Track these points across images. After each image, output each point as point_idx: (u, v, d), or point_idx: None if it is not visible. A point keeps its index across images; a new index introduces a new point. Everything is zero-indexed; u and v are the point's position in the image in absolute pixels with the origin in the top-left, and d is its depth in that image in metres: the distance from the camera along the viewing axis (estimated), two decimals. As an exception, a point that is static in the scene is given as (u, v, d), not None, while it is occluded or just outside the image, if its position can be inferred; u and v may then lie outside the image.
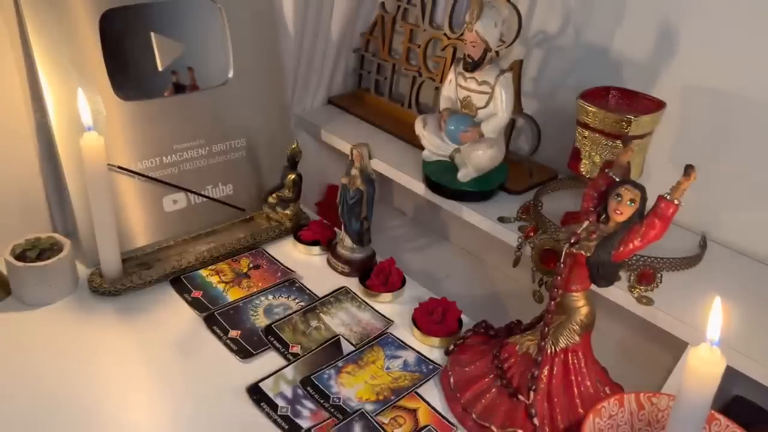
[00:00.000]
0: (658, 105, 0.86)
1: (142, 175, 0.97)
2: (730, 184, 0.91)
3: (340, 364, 0.83)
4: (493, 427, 0.73)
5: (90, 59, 0.91)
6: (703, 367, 0.55)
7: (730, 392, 0.82)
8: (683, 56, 0.92)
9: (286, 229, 1.06)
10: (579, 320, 0.73)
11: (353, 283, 0.97)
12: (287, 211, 1.06)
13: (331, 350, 0.85)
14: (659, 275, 0.84)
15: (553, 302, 0.71)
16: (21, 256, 0.87)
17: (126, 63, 0.95)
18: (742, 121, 0.89)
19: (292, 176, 1.04)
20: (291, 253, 1.04)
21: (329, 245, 1.03)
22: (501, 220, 0.96)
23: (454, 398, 0.78)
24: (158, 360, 0.82)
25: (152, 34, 0.97)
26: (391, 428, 0.74)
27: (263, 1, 1.07)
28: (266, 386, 0.78)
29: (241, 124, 1.06)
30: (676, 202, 0.63)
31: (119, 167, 0.95)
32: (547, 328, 0.72)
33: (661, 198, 0.64)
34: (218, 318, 0.89)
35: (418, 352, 0.86)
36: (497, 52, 0.98)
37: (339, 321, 0.90)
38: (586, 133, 0.87)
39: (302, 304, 0.93)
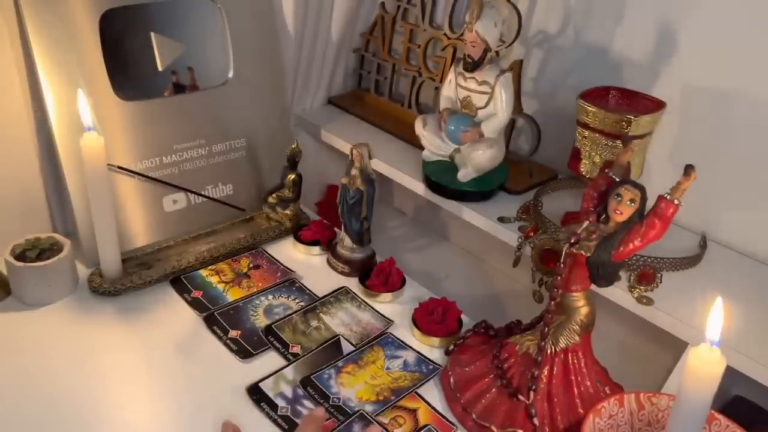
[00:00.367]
0: (658, 105, 0.86)
1: (142, 175, 0.97)
2: (730, 184, 0.91)
3: (340, 364, 0.83)
4: (493, 427, 0.73)
5: (90, 59, 0.91)
6: (703, 367, 0.55)
7: (730, 392, 0.82)
8: (683, 56, 0.92)
9: (286, 229, 1.06)
10: (579, 320, 0.73)
11: (353, 283, 0.97)
12: (287, 211, 1.06)
13: (331, 350, 0.85)
14: (659, 275, 0.84)
15: (553, 302, 0.71)
16: (21, 256, 0.87)
17: (126, 63, 0.95)
18: (742, 121, 0.89)
19: (292, 176, 1.04)
20: (291, 253, 1.04)
21: (329, 245, 1.03)
22: (501, 220, 0.96)
23: (454, 398, 0.78)
24: (158, 360, 0.82)
25: (152, 34, 0.97)
26: (391, 428, 0.74)
27: (263, 1, 1.07)
28: (266, 386, 0.78)
29: (241, 124, 1.06)
30: (676, 202, 0.63)
31: (119, 167, 0.95)
32: (547, 328, 0.72)
33: (661, 198, 0.64)
34: (218, 318, 0.89)
35: (418, 352, 0.86)
36: (497, 52, 0.98)
37: (339, 321, 0.90)
38: (586, 133, 0.87)
39: (302, 304, 0.93)
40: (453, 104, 1.01)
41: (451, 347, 0.85)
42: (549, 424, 0.73)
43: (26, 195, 0.96)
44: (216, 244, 1.02)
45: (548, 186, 1.02)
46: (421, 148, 1.05)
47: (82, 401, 0.75)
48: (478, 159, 0.96)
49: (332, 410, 0.76)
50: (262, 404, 0.76)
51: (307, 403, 0.77)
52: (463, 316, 0.90)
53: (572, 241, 0.68)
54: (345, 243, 1.00)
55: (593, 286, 0.73)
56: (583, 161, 0.89)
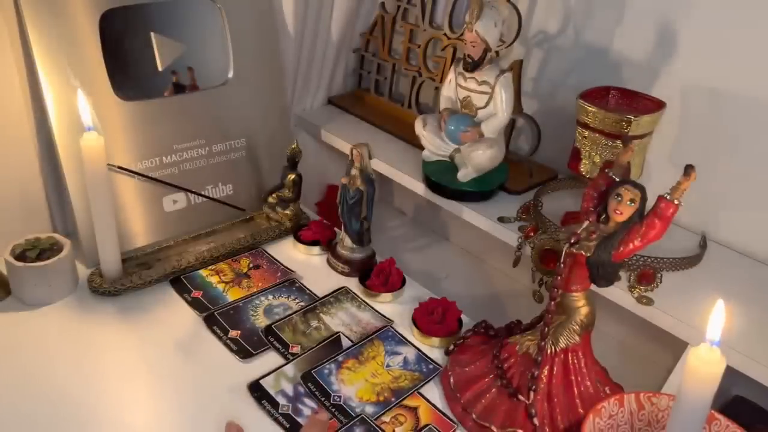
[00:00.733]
0: (658, 105, 0.86)
1: (142, 175, 0.97)
2: (730, 184, 0.91)
3: (340, 358, 0.83)
4: (493, 427, 0.73)
5: (90, 59, 0.91)
6: (703, 367, 0.55)
7: (730, 392, 0.82)
8: (683, 56, 0.92)
9: (286, 229, 1.06)
10: (579, 320, 0.73)
11: (353, 283, 0.97)
12: (287, 211, 1.06)
13: (332, 347, 0.85)
14: (659, 275, 0.84)
15: (553, 302, 0.71)
16: (21, 256, 0.87)
17: (126, 63, 0.95)
18: (742, 121, 0.89)
19: (292, 176, 1.04)
20: (291, 253, 1.04)
21: (329, 245, 1.03)
22: (501, 220, 0.96)
23: (454, 398, 0.78)
24: (158, 360, 0.82)
25: (152, 34, 0.97)
26: (392, 427, 0.74)
27: (263, 1, 1.07)
28: (267, 383, 0.78)
29: (241, 124, 1.06)
30: (676, 202, 0.63)
31: (119, 167, 0.95)
32: (547, 328, 0.73)
33: (661, 198, 0.64)
34: (218, 318, 0.89)
35: (419, 349, 0.86)
36: (497, 52, 0.98)
37: (339, 321, 0.90)
38: (586, 133, 0.87)
39: (302, 304, 0.93)
40: (453, 104, 1.01)
41: (451, 347, 0.85)
42: (549, 424, 0.73)
43: (26, 195, 0.96)
44: (216, 244, 1.02)
45: (548, 186, 1.02)
46: (421, 148, 1.05)
47: (82, 401, 0.75)
48: (478, 159, 0.96)
49: (333, 410, 0.76)
50: (263, 402, 0.76)
51: (308, 401, 0.77)
52: (463, 316, 0.90)
53: (572, 241, 0.68)
54: (345, 243, 1.00)
55: (593, 286, 0.73)
56: (583, 161, 0.89)
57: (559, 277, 0.71)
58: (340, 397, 0.78)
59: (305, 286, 0.97)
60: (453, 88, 0.99)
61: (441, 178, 1.02)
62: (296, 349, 0.85)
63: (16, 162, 0.94)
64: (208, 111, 1.02)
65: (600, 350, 0.78)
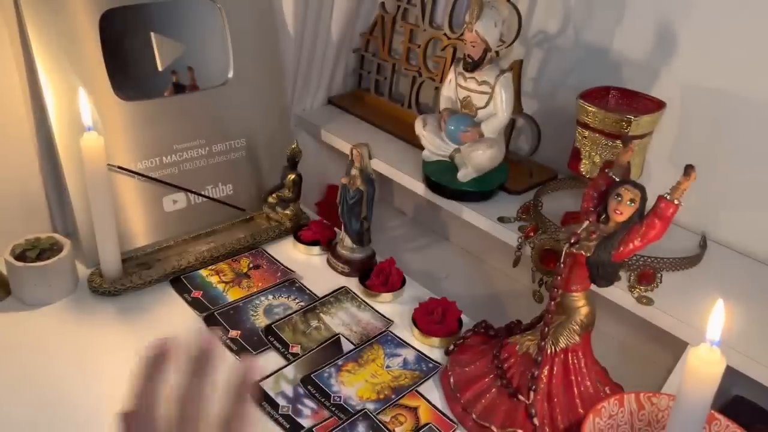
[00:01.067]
0: (658, 105, 0.86)
1: (142, 175, 0.97)
2: (730, 184, 0.91)
3: (340, 362, 0.83)
4: (493, 427, 0.73)
5: (90, 59, 0.91)
6: (703, 367, 0.55)
7: (730, 392, 0.82)
8: (683, 56, 0.92)
9: (286, 229, 1.06)
10: (579, 320, 0.73)
11: (353, 283, 0.97)
12: (287, 211, 1.06)
13: (331, 349, 0.85)
14: (659, 275, 0.84)
15: (553, 302, 0.71)
16: (21, 256, 0.87)
17: (126, 63, 0.95)
18: (742, 121, 0.89)
19: (292, 176, 1.04)
20: (291, 253, 1.04)
21: (329, 245, 1.03)
22: (501, 220, 0.96)
23: (454, 398, 0.78)
24: (158, 360, 0.82)
25: (152, 34, 0.97)
26: (392, 426, 0.75)
27: (263, 1, 1.07)
28: (267, 385, 0.78)
29: (241, 124, 1.06)
30: (676, 202, 0.63)
31: (119, 167, 0.95)
32: (547, 328, 0.73)
33: (661, 198, 0.64)
34: (218, 318, 0.89)
35: (418, 350, 0.86)
36: (497, 52, 0.98)
37: (339, 321, 0.90)
38: (586, 133, 0.87)
39: (302, 304, 0.93)
40: (453, 104, 1.01)
41: (451, 347, 0.85)
42: (549, 424, 0.73)
43: (26, 195, 0.96)
44: (216, 244, 1.02)
45: (548, 186, 1.02)
46: (421, 148, 1.05)
47: (82, 401, 0.75)
48: (478, 159, 0.96)
49: (333, 409, 0.76)
50: (263, 403, 0.76)
51: (308, 401, 0.77)
52: (463, 316, 0.90)
53: (572, 241, 0.68)
54: (345, 243, 1.00)
55: (593, 286, 0.73)
56: (583, 161, 0.89)
57: (559, 277, 0.71)
58: (340, 397, 0.78)
59: (305, 286, 0.97)
60: (453, 88, 0.99)
61: (441, 178, 1.02)
62: (296, 349, 0.85)
63: (16, 162, 0.94)
64: (208, 111, 1.02)
65: (600, 350, 0.78)
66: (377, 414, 0.76)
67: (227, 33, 1.03)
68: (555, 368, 0.74)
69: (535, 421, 0.73)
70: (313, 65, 1.22)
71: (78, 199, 0.92)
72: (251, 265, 1.00)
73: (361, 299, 0.95)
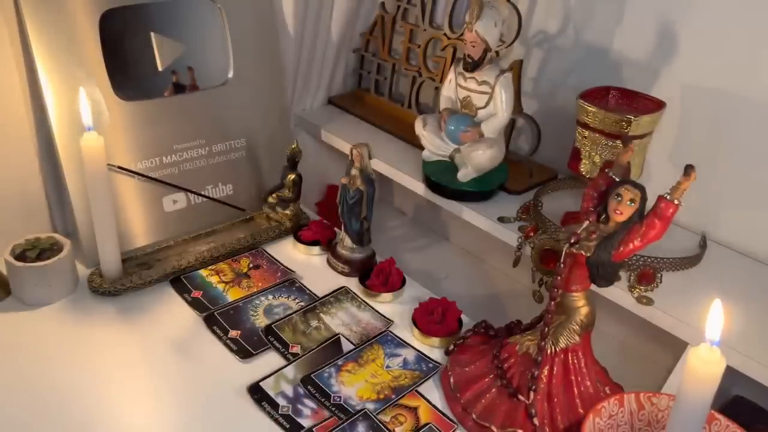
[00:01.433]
0: (658, 105, 0.86)
1: (142, 175, 0.97)
2: (730, 184, 0.91)
3: (340, 362, 0.83)
4: (493, 427, 0.73)
5: (90, 59, 0.91)
6: (703, 367, 0.55)
7: (730, 392, 0.82)
8: (683, 56, 0.92)
9: (286, 229, 1.06)
10: (579, 320, 0.73)
11: (353, 283, 0.97)
12: (287, 211, 1.06)
13: (331, 349, 0.85)
14: (659, 275, 0.84)
15: (553, 302, 0.71)
16: (21, 256, 0.87)
17: (126, 63, 0.95)
18: (742, 120, 0.89)
19: (292, 176, 1.04)
20: (291, 253, 1.04)
21: (329, 245, 1.03)
22: (501, 220, 0.96)
23: (454, 398, 0.78)
24: (158, 360, 0.82)
25: (152, 34, 0.97)
26: (392, 426, 0.74)
27: (263, 1, 1.07)
28: (267, 385, 0.78)
29: (241, 124, 1.06)
30: (676, 202, 0.63)
31: (119, 167, 0.95)
32: (547, 328, 0.73)
33: (661, 198, 0.64)
34: (218, 318, 0.89)
35: (418, 350, 0.86)
36: (497, 52, 0.98)
37: (339, 321, 0.90)
38: (586, 133, 0.87)
39: (302, 304, 0.93)
40: (453, 104, 1.01)
41: (451, 347, 0.85)
42: (549, 424, 0.73)
43: (26, 195, 0.96)
44: (216, 244, 1.02)
45: (548, 186, 1.02)
46: (421, 148, 1.05)
47: (82, 401, 0.75)
48: (478, 159, 0.96)
49: (333, 409, 0.76)
50: (263, 403, 0.76)
51: (308, 401, 0.77)
52: (463, 316, 0.90)
53: (572, 241, 0.68)
54: (345, 243, 1.00)
55: (593, 286, 0.73)
56: (583, 161, 0.89)
57: (559, 277, 0.71)
58: (340, 397, 0.78)
59: (305, 286, 0.97)
60: (453, 88, 0.99)
61: (441, 178, 1.02)
62: (296, 349, 0.85)
63: (16, 162, 0.94)
64: (208, 111, 1.02)
65: (600, 350, 0.78)
66: (377, 414, 0.76)
67: (227, 33, 1.03)
68: (555, 368, 0.74)
69: (535, 421, 0.73)
70: (313, 65, 1.22)
71: (78, 199, 0.92)
72: (251, 265, 1.00)
73: (361, 299, 0.95)
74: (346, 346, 0.86)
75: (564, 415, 0.73)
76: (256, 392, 0.77)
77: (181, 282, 0.95)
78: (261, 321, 0.89)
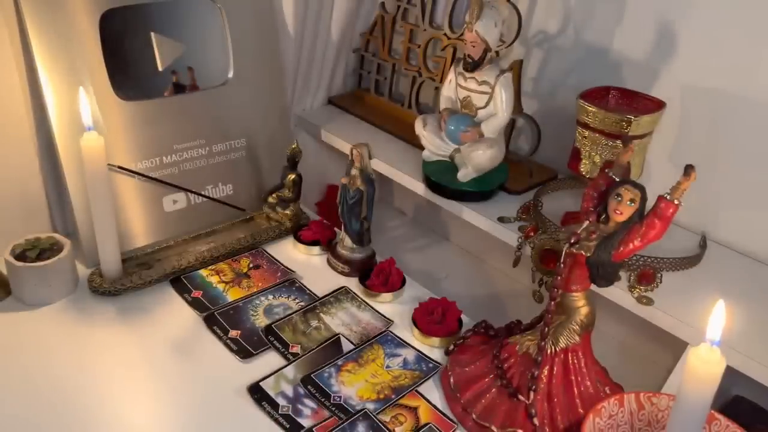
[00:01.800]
0: (658, 105, 0.86)
1: (142, 175, 0.97)
2: (730, 184, 0.91)
3: (340, 362, 0.83)
4: (493, 427, 0.73)
5: (90, 59, 0.91)
6: (703, 367, 0.55)
7: (730, 392, 0.82)
8: (683, 56, 0.92)
9: (286, 229, 1.06)
10: (579, 320, 0.73)
11: (353, 283, 0.97)
12: (287, 211, 1.06)
13: (331, 349, 0.85)
14: (659, 275, 0.84)
15: (553, 302, 0.71)
16: (21, 256, 0.87)
17: (126, 63, 0.95)
18: (742, 120, 0.89)
19: (292, 176, 1.04)
20: (291, 253, 1.04)
21: (329, 245, 1.03)
22: (501, 220, 0.96)
23: (454, 398, 0.78)
24: (158, 360, 0.82)
25: (152, 34, 0.97)
26: (392, 426, 0.74)
27: (263, 1, 1.07)
28: (267, 385, 0.78)
29: (241, 124, 1.06)
30: (676, 202, 0.63)
31: (119, 167, 0.95)
32: (547, 328, 0.73)
33: (661, 198, 0.64)
34: (218, 318, 0.89)
35: (418, 350, 0.86)
36: (497, 52, 0.98)
37: (339, 321, 0.90)
38: (586, 133, 0.87)
39: (302, 304, 0.93)
40: (453, 104, 1.01)
41: (451, 347, 0.85)
42: (549, 424, 0.73)
43: (26, 195, 0.96)
44: (216, 244, 1.02)
45: (548, 186, 1.02)
46: (421, 148, 1.05)
47: (82, 401, 0.75)
48: (478, 159, 0.96)
49: (333, 408, 0.76)
50: (263, 403, 0.76)
51: (308, 401, 0.77)
52: (463, 316, 0.90)
53: (572, 241, 0.68)
54: (345, 243, 1.00)
55: (593, 286, 0.73)
56: (583, 161, 0.89)
57: (559, 277, 0.71)
58: (340, 396, 0.78)
59: (305, 286, 0.97)
60: (453, 88, 0.99)
61: (441, 178, 1.02)
62: (296, 349, 0.85)
63: (16, 162, 0.94)
64: (208, 111, 1.02)
65: (600, 350, 0.78)
66: (377, 414, 0.76)
67: (227, 33, 1.03)
68: (555, 368, 0.74)
69: (535, 421, 0.73)
70: (313, 65, 1.22)
71: (78, 199, 0.92)
72: (251, 265, 1.00)
73: (361, 299, 0.95)
74: (346, 346, 0.86)
75: (564, 415, 0.73)
76: (256, 392, 0.77)
77: (181, 282, 0.95)
78: (261, 321, 0.89)
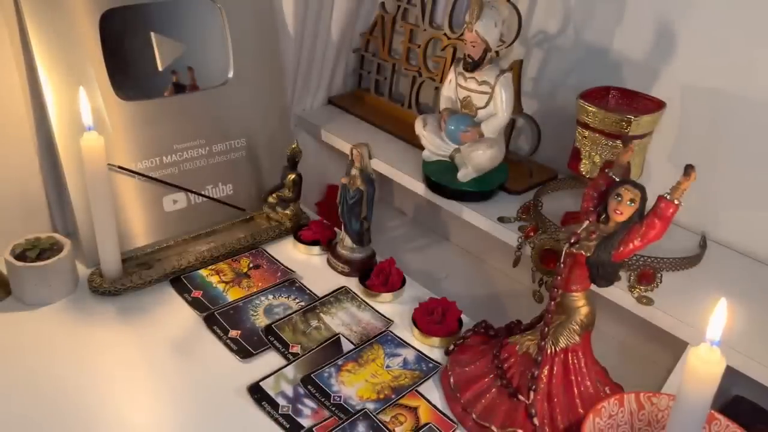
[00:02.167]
0: (658, 105, 0.86)
1: (142, 175, 0.97)
2: (730, 184, 0.91)
3: (340, 362, 0.83)
4: (493, 427, 0.73)
5: (90, 59, 0.91)
6: (703, 367, 0.55)
7: (730, 392, 0.82)
8: (683, 56, 0.92)
9: (286, 229, 1.06)
10: (579, 320, 0.73)
11: (353, 283, 0.97)
12: (287, 211, 1.06)
13: (332, 349, 0.85)
14: (659, 275, 0.84)
15: (553, 302, 0.71)
16: (21, 256, 0.87)
17: (126, 63, 0.95)
18: (742, 121, 0.89)
19: (292, 176, 1.04)
20: (291, 253, 1.04)
21: (329, 245, 1.03)
22: (501, 220, 0.96)
23: (454, 398, 0.78)
24: (158, 360, 0.82)
25: (152, 34, 0.97)
26: (392, 426, 0.74)
27: (263, 1, 1.07)
28: (267, 385, 0.78)
29: (241, 124, 1.06)
30: (676, 202, 0.63)
31: (119, 167, 0.95)
32: (547, 328, 0.73)
33: (661, 198, 0.64)
34: (218, 318, 0.89)
35: (418, 350, 0.86)
36: (497, 52, 0.98)
37: (339, 321, 0.90)
38: (586, 133, 0.87)
39: (302, 304, 0.93)
40: (453, 104, 1.01)
41: (451, 347, 0.85)
42: (549, 424, 0.73)
43: (26, 195, 0.96)
44: (216, 244, 1.02)
45: (548, 186, 1.02)
46: (421, 148, 1.05)
47: (82, 401, 0.75)
48: (478, 159, 0.96)
49: (333, 408, 0.76)
50: (263, 403, 0.76)
51: (308, 401, 0.77)
52: (463, 316, 0.90)
53: (572, 241, 0.68)
54: (345, 243, 1.00)
55: (593, 286, 0.73)
56: (583, 161, 0.89)
57: (559, 277, 0.71)
58: (340, 396, 0.78)
59: (305, 286, 0.97)
60: (453, 88, 0.99)
61: (441, 178, 1.02)
62: (296, 349, 0.85)
63: (16, 162, 0.94)
64: (208, 111, 1.02)
65: (600, 350, 0.78)
66: (377, 414, 0.76)
67: (227, 33, 1.03)
68: (555, 368, 0.74)
69: (535, 421, 0.73)
70: (313, 65, 1.22)
71: (78, 199, 0.92)
72: (251, 265, 1.00)
73: (361, 299, 0.95)
74: (346, 346, 0.86)
75: (564, 415, 0.73)
76: (256, 392, 0.77)
77: (181, 282, 0.95)
78: (261, 321, 0.89)
